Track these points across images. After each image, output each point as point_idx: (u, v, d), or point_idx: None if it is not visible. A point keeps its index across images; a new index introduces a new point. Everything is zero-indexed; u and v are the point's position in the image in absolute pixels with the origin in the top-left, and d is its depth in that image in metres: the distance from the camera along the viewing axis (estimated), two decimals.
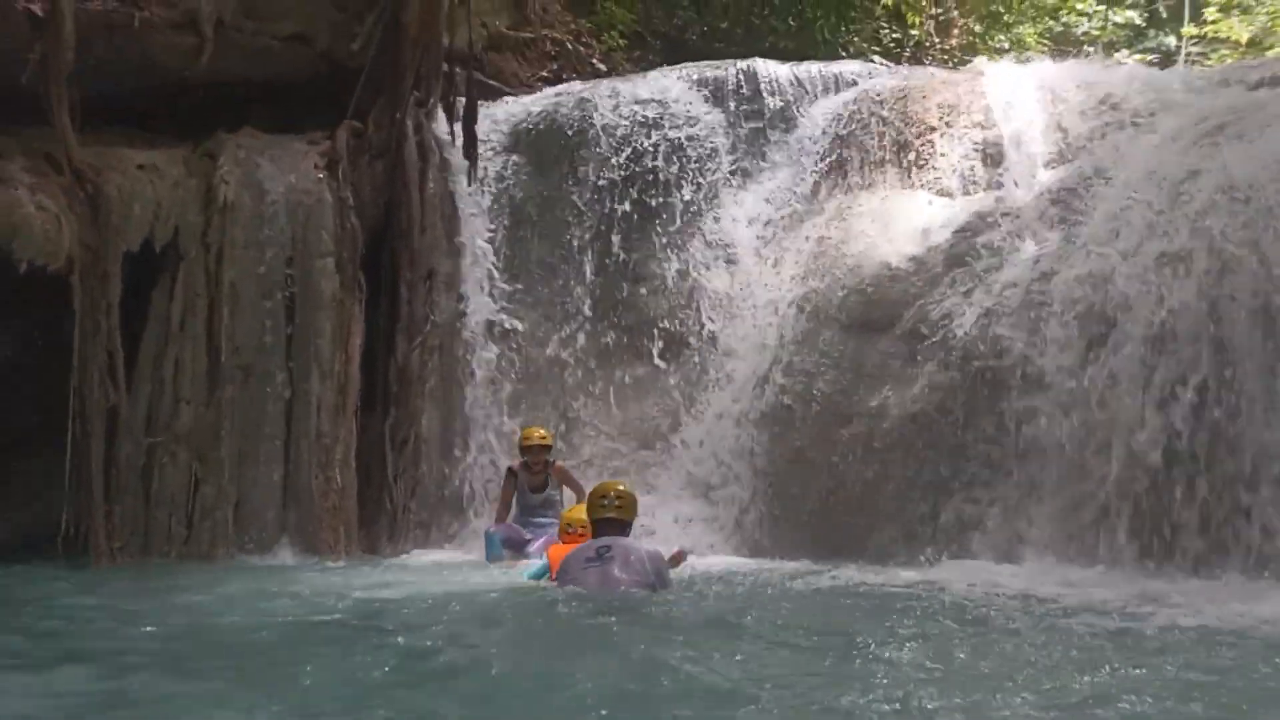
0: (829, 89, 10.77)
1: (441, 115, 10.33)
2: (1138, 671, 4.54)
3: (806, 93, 10.75)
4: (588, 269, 10.33)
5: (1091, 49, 15.11)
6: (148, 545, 8.72)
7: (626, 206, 10.41)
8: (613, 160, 10.49)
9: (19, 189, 7.97)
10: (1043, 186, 9.19)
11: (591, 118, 10.65)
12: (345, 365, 9.27)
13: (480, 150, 10.31)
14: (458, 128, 10.28)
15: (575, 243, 10.39)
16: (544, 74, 12.84)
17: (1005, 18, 16.56)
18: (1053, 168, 9.33)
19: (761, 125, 10.71)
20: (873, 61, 12.73)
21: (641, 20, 14.04)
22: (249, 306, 9.06)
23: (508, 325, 10.14)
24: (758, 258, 10.15)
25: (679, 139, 10.57)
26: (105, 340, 8.43)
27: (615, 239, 10.37)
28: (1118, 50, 15.89)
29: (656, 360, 10.06)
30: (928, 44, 15.80)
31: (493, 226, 10.42)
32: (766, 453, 9.16)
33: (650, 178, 10.45)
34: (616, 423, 9.96)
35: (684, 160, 10.51)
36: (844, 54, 13.74)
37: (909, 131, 9.98)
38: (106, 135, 9.40)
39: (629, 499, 6.80)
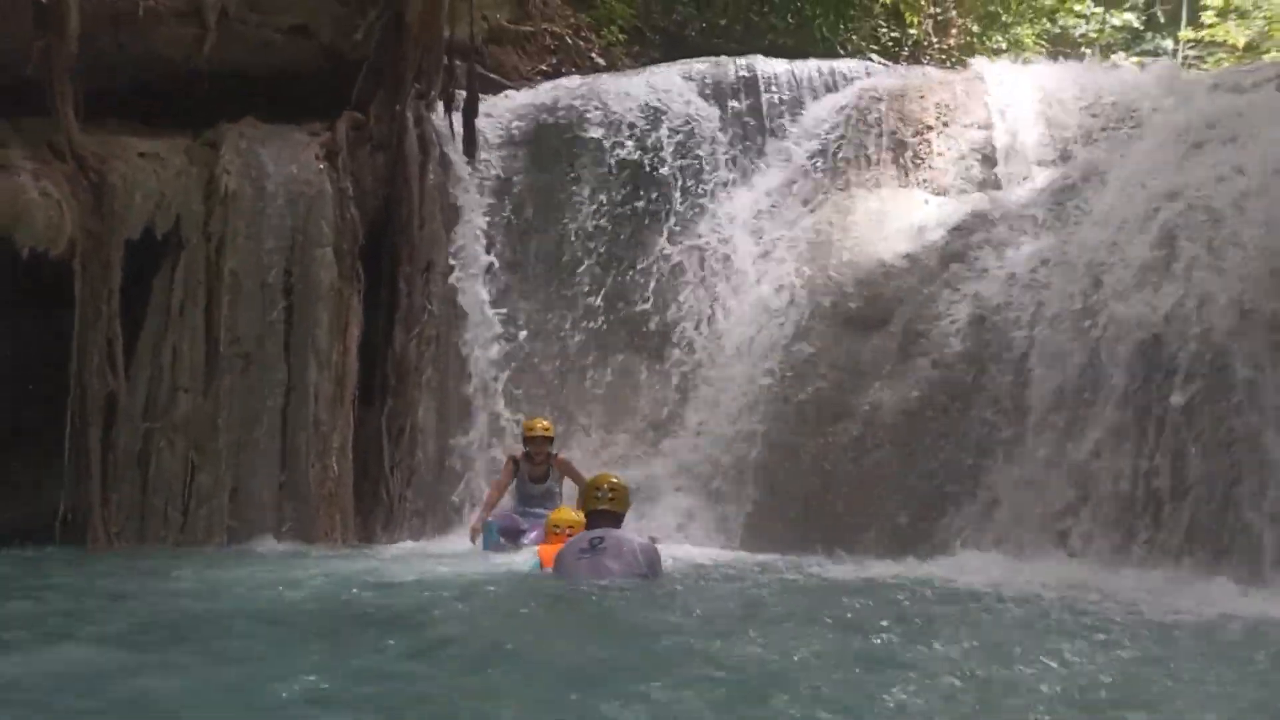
0: (828, 87, 10.83)
1: (442, 108, 10.38)
2: (1121, 659, 4.64)
3: (805, 90, 10.81)
4: (585, 262, 10.39)
5: (1089, 51, 15.17)
6: (144, 532, 8.79)
7: (624, 201, 10.48)
8: (611, 155, 10.55)
9: (22, 175, 8.04)
10: (1038, 187, 9.27)
11: (590, 112, 10.70)
12: (343, 355, 9.34)
13: (480, 143, 10.36)
14: (458, 120, 10.33)
15: (573, 236, 10.45)
16: (543, 68, 12.88)
17: (1003, 18, 16.63)
18: (1048, 168, 9.41)
19: (759, 122, 10.78)
20: (871, 60, 12.80)
21: (641, 15, 14.10)
22: (248, 296, 9.13)
23: (505, 317, 10.20)
24: (754, 253, 10.22)
25: (677, 135, 10.63)
26: (105, 327, 8.50)
27: (613, 233, 10.44)
28: (1115, 53, 15.96)
29: (652, 354, 10.14)
30: (926, 44, 15.87)
31: (491, 219, 10.48)
32: (760, 447, 9.24)
33: (648, 173, 10.52)
34: (612, 415, 10.04)
35: (682, 156, 10.58)
36: (842, 52, 13.81)
37: (906, 130, 10.06)
38: (108, 125, 9.46)
39: (622, 491, 6.94)
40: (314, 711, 3.84)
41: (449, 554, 8.67)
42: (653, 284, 10.30)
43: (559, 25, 13.35)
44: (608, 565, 6.46)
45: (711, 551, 8.73)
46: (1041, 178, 9.28)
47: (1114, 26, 17.14)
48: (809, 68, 11.04)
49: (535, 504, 8.91)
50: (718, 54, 11.76)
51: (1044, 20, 17.05)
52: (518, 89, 11.72)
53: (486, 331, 10.12)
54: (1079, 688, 4.19)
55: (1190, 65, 14.39)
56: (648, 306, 10.25)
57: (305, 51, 10.48)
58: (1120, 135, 9.09)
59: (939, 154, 9.85)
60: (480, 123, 10.42)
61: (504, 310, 10.21)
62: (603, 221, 10.47)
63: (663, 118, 10.65)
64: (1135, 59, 14.77)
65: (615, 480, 7.08)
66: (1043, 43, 16.40)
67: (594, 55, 13.47)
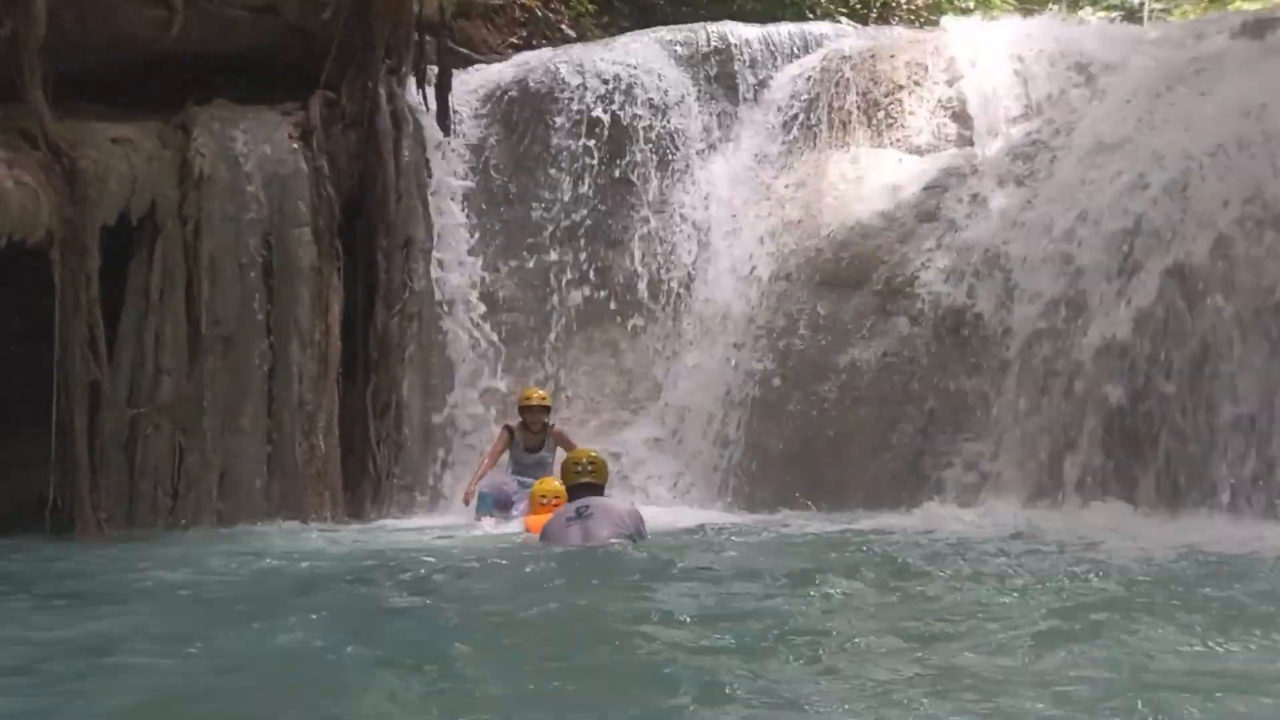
0: (799, 50, 10.87)
1: (414, 83, 10.36)
2: (1095, 597, 4.78)
3: (777, 54, 10.85)
4: (563, 233, 10.43)
5: (1056, 6, 15.22)
6: (133, 516, 8.78)
7: (600, 170, 10.51)
8: (585, 125, 10.57)
9: None
10: (1009, 142, 9.37)
11: (563, 83, 10.72)
12: (325, 334, 9.33)
13: (455, 117, 10.35)
14: (431, 95, 10.31)
15: (550, 207, 10.49)
16: (513, 40, 12.87)
17: None
18: (1019, 123, 9.49)
19: (733, 87, 10.82)
20: (840, 22, 12.82)
21: None
22: (228, 277, 9.10)
23: (485, 291, 10.25)
24: (731, 218, 10.29)
25: (651, 103, 10.66)
26: (86, 314, 8.46)
27: (590, 203, 10.48)
28: (1082, 7, 16.01)
29: (633, 321, 10.22)
30: (894, 4, 15.86)
31: (468, 193, 10.50)
32: (743, 409, 9.34)
33: (623, 141, 10.55)
34: (595, 384, 10.12)
35: (657, 124, 10.61)
36: (810, 16, 13.81)
37: (878, 91, 10.12)
38: (77, 110, 9.39)
39: (601, 464, 7.31)
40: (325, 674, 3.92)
41: (439, 527, 8.77)
42: (632, 252, 10.36)
43: None
44: (597, 529, 6.65)
45: (699, 513, 8.84)
46: (1013, 133, 9.36)
47: None
48: (780, 32, 11.08)
49: (528, 473, 8.98)
50: (687, 22, 11.77)
51: None
52: (488, 63, 11.72)
53: (467, 305, 10.15)
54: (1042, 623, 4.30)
55: (1157, 17, 14.47)
56: (627, 274, 10.32)
57: (273, 30, 10.39)
58: (1088, 88, 9.17)
59: (911, 113, 9.92)
60: (454, 97, 10.41)
61: (484, 282, 10.25)
62: (580, 192, 10.50)
63: (636, 87, 10.67)
64: (1102, 11, 14.86)
65: (594, 454, 7.44)
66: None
67: (563, 26, 13.45)
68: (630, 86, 10.69)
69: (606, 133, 10.55)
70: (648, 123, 10.60)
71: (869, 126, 10.10)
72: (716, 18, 11.60)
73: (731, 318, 9.85)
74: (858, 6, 15.35)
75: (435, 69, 10.52)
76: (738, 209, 10.33)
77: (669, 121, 10.64)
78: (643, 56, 10.93)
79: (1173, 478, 7.11)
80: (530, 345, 10.30)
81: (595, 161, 10.53)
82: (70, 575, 6.36)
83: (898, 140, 9.93)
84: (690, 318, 10.11)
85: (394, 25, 10.15)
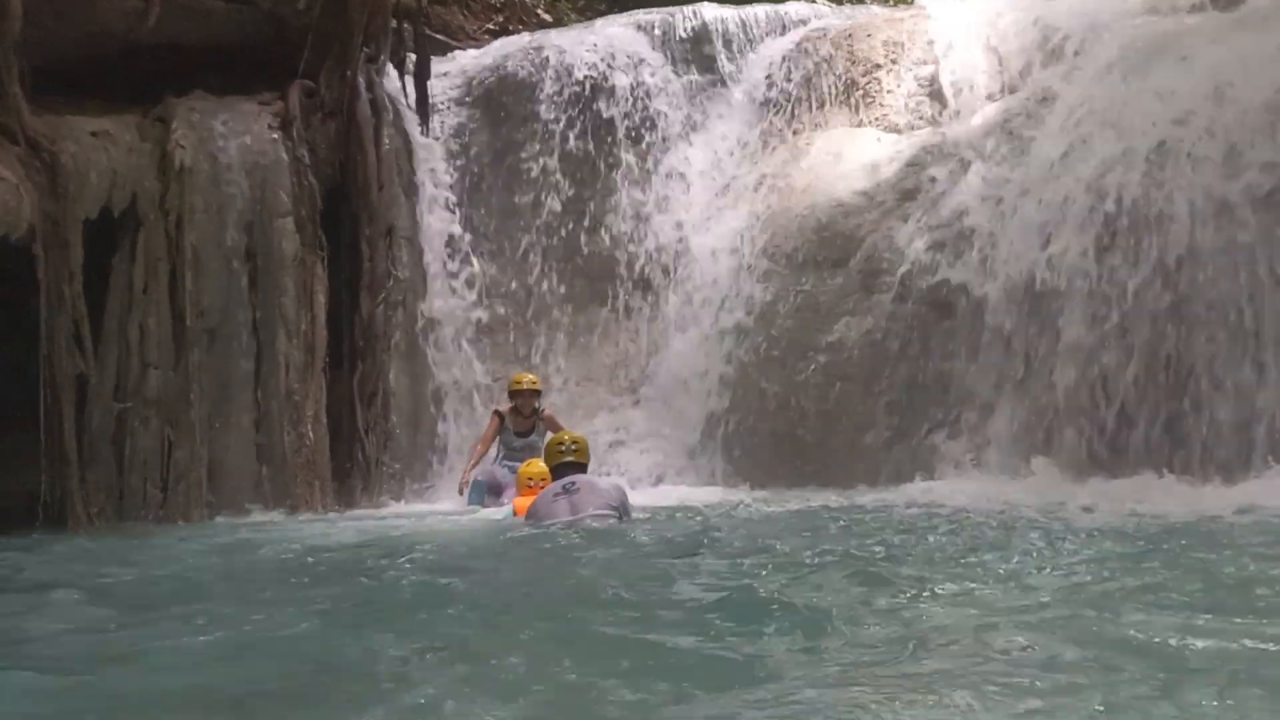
0: (775, 31, 10.92)
1: (393, 71, 10.35)
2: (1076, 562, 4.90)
3: (754, 36, 10.89)
4: (546, 218, 10.47)
5: None
6: (123, 510, 8.80)
7: (581, 154, 10.55)
8: (565, 109, 10.60)
9: None
10: (986, 119, 9.44)
11: (542, 68, 10.75)
12: (311, 323, 9.35)
13: (433, 105, 10.36)
14: (409, 83, 10.31)
15: (532, 193, 10.52)
16: (490, 26, 12.86)
17: None
18: (996, 100, 9.57)
19: (711, 68, 10.86)
20: (814, 3, 12.85)
21: None
22: (211, 269, 9.10)
23: (470, 276, 10.28)
24: (712, 199, 10.34)
25: (630, 85, 10.69)
26: (70, 309, 8.45)
27: (571, 187, 10.52)
28: None
29: (617, 304, 10.28)
30: None
31: (449, 179, 10.51)
32: (729, 388, 9.42)
33: (603, 125, 10.59)
34: (582, 367, 10.18)
35: (636, 107, 10.64)
36: None
37: (856, 70, 10.18)
38: (53, 103, 9.35)
39: (583, 444, 7.53)
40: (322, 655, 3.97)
41: (430, 513, 8.84)
42: (613, 235, 10.41)
43: None
44: (584, 503, 6.84)
45: (687, 492, 8.93)
46: (990, 109, 9.44)
47: None
48: (757, 12, 11.12)
49: (518, 457, 9.03)
50: (662, 4, 11.78)
51: None
52: (465, 49, 11.72)
53: (451, 291, 10.18)
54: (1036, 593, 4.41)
55: None
56: (610, 257, 10.37)
57: (248, 20, 10.35)
58: (1064, 64, 9.25)
59: (889, 92, 9.99)
60: (433, 84, 10.41)
61: (468, 269, 10.28)
62: (560, 176, 10.53)
63: (615, 70, 10.70)
64: None
65: (576, 435, 7.70)
66: None
67: (540, 11, 13.45)
68: (609, 71, 10.72)
69: (586, 117, 10.58)
70: (627, 106, 10.64)
71: (847, 106, 10.16)
72: (691, 2, 11.61)
73: (714, 298, 9.91)
74: None
75: (413, 56, 10.52)
76: (719, 190, 10.38)
77: (648, 104, 10.68)
78: (620, 40, 10.96)
79: (1160, 446, 7.22)
80: (515, 330, 10.34)
81: (575, 146, 10.56)
82: (73, 568, 6.37)
83: (876, 119, 10.00)
84: (674, 299, 10.17)
85: (371, 13, 10.13)
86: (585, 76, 10.69)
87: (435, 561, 6.03)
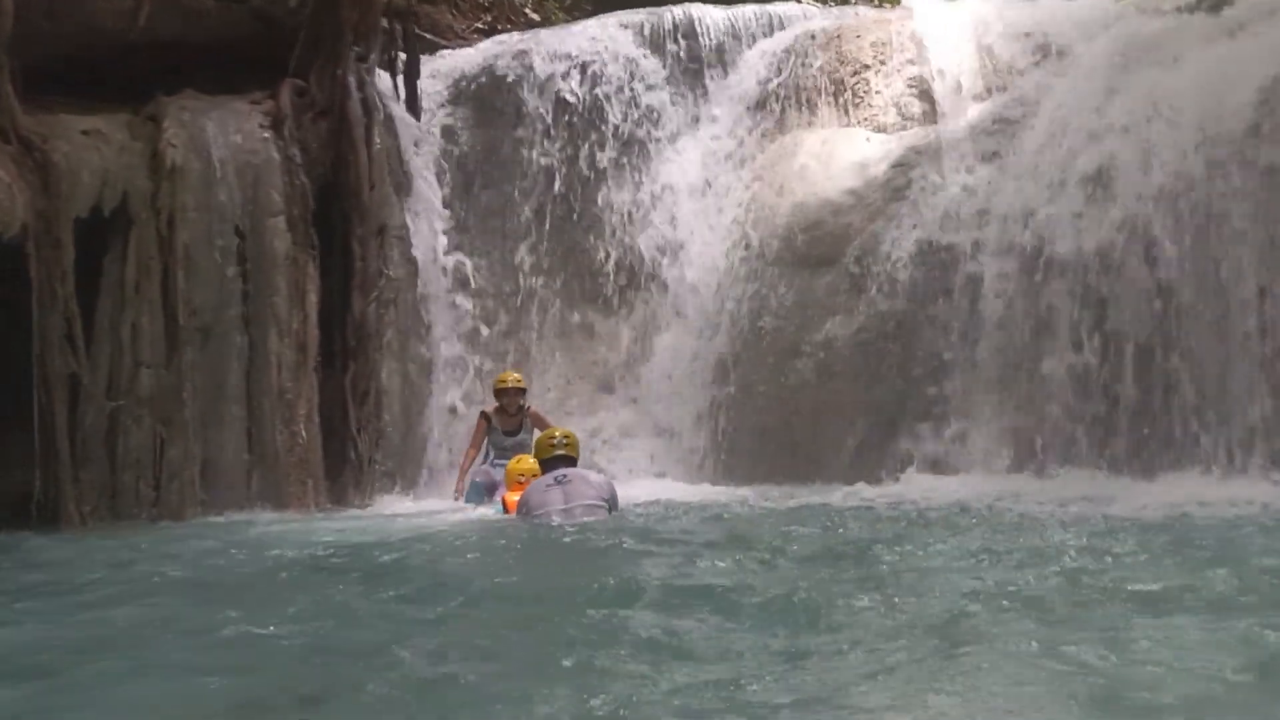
0: (764, 31, 10.98)
1: (383, 70, 10.38)
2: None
3: (743, 36, 10.95)
4: (536, 217, 10.51)
5: None
6: (116, 509, 8.79)
7: (571, 154, 10.59)
8: (555, 108, 10.65)
9: None
10: (974, 119, 9.53)
11: (532, 67, 10.79)
12: (303, 322, 9.36)
13: (424, 104, 10.39)
14: (400, 82, 10.33)
15: (522, 192, 10.56)
16: (478, 25, 12.89)
17: None
18: (983, 101, 9.66)
19: (700, 69, 10.91)
20: (801, 2, 12.93)
21: None
22: (203, 268, 9.10)
23: (461, 275, 10.31)
24: (702, 199, 10.41)
25: (619, 85, 10.74)
26: (63, 308, 8.44)
27: (561, 186, 10.56)
28: None
29: (608, 302, 10.33)
30: None
31: (440, 178, 10.55)
32: (720, 387, 9.50)
33: (593, 125, 10.63)
34: (573, 366, 10.23)
35: (625, 106, 10.69)
36: None
37: (844, 70, 10.26)
38: (43, 101, 9.33)
39: (574, 439, 7.73)
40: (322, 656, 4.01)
41: (422, 511, 8.86)
42: (604, 234, 10.46)
43: None
44: (577, 492, 7.04)
45: (678, 489, 8.98)
46: (978, 110, 9.53)
47: None
48: (745, 12, 11.18)
49: (508, 455, 9.02)
50: (649, 4, 11.81)
51: None
52: (454, 48, 11.74)
53: (443, 290, 10.22)
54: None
55: None
56: (600, 256, 10.41)
57: (239, 19, 10.35)
58: (1051, 64, 9.36)
59: (877, 92, 10.07)
60: (423, 83, 10.44)
61: (459, 267, 10.31)
62: (551, 175, 10.58)
63: (604, 69, 10.75)
64: None
65: (567, 430, 7.94)
66: None
67: (527, 10, 13.49)
68: (598, 70, 10.77)
69: (576, 116, 10.63)
70: (616, 106, 10.68)
71: (836, 106, 10.24)
72: (679, 0, 11.65)
73: (705, 297, 9.98)
74: None
75: (403, 56, 10.54)
76: (708, 189, 10.44)
77: (638, 104, 10.73)
78: (610, 39, 11.00)
79: (1145, 441, 7.33)
80: (505, 329, 10.38)
81: (565, 146, 10.61)
82: (70, 568, 6.39)
83: (865, 119, 10.08)
84: (664, 298, 10.23)
85: (362, 12, 10.15)
86: (575, 76, 10.73)
87: (430, 560, 6.09)
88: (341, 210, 9.90)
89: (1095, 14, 9.36)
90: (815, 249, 9.52)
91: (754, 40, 10.96)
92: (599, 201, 10.53)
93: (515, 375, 9.38)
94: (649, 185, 10.57)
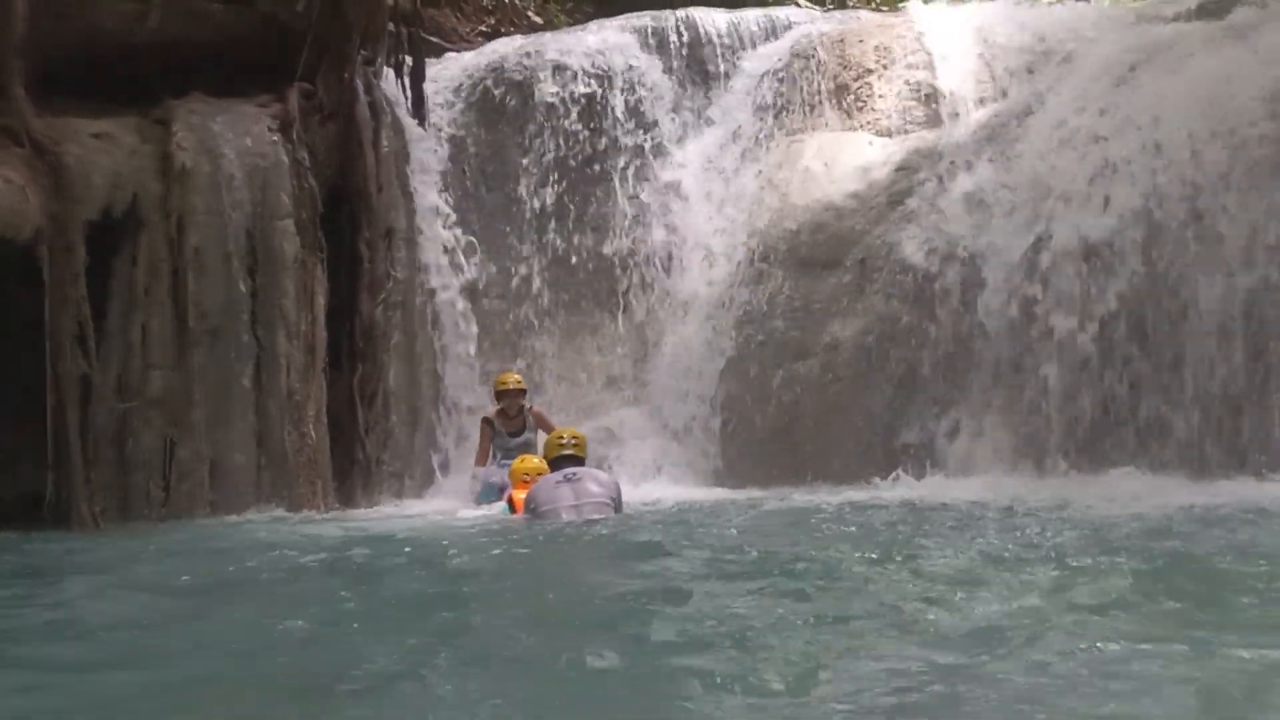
0: (767, 35, 11.07)
1: (389, 73, 10.44)
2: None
3: (745, 40, 11.04)
4: (541, 219, 10.59)
5: None
6: (126, 509, 8.84)
7: (575, 156, 10.66)
8: (559, 112, 10.72)
9: None
10: (976, 123, 9.63)
11: (537, 71, 10.86)
12: (311, 324, 9.42)
13: (430, 108, 10.46)
14: (406, 85, 10.40)
15: (528, 195, 10.63)
16: (482, 29, 12.96)
17: None
18: (985, 105, 9.77)
19: (703, 72, 11.00)
20: (798, 5, 13.03)
21: None
22: (213, 271, 9.15)
23: (467, 277, 10.38)
24: (706, 202, 10.49)
25: (623, 89, 10.82)
26: (74, 310, 8.50)
27: (566, 189, 10.64)
28: None
29: (613, 304, 10.40)
30: None
31: (446, 182, 10.62)
32: (725, 389, 9.57)
33: (597, 128, 10.71)
34: (577, 368, 10.30)
35: (629, 109, 10.78)
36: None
37: (847, 75, 10.35)
38: (51, 104, 9.37)
39: (582, 440, 7.95)
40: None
41: (430, 511, 8.94)
42: (608, 237, 10.54)
43: None
44: (586, 490, 7.18)
45: (684, 491, 9.07)
46: (980, 114, 9.63)
47: None
48: (748, 17, 11.27)
49: (514, 456, 9.10)
50: (647, 8, 11.88)
51: None
52: (459, 51, 11.81)
53: (450, 292, 10.29)
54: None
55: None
56: (605, 259, 10.49)
57: (245, 22, 10.39)
58: (1053, 69, 9.46)
59: (880, 96, 10.16)
60: (429, 86, 10.51)
61: (465, 269, 10.39)
62: (555, 178, 10.66)
63: (608, 73, 10.83)
64: None
65: (575, 431, 8.12)
66: None
67: (530, 14, 13.56)
68: (603, 73, 10.85)
69: (581, 119, 10.70)
70: (621, 109, 10.76)
71: (839, 109, 10.33)
72: (680, 4, 11.72)
73: (709, 299, 10.06)
74: None
75: (409, 59, 10.60)
76: (713, 192, 10.53)
77: (642, 107, 10.81)
78: (614, 43, 11.08)
79: (1153, 442, 7.43)
80: (511, 330, 10.46)
81: (571, 148, 10.68)
82: (88, 567, 6.45)
83: (868, 123, 10.18)
84: (668, 300, 10.31)
85: (369, 15, 10.21)
86: (579, 79, 10.81)
87: (441, 559, 6.16)
88: (349, 213, 9.98)
89: (1097, 19, 9.46)
90: (819, 252, 9.61)
91: (757, 44, 11.05)
92: (604, 204, 10.61)
93: (516, 376, 9.46)
94: (653, 188, 10.65)
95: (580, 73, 10.81)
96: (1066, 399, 8.10)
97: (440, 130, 10.73)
